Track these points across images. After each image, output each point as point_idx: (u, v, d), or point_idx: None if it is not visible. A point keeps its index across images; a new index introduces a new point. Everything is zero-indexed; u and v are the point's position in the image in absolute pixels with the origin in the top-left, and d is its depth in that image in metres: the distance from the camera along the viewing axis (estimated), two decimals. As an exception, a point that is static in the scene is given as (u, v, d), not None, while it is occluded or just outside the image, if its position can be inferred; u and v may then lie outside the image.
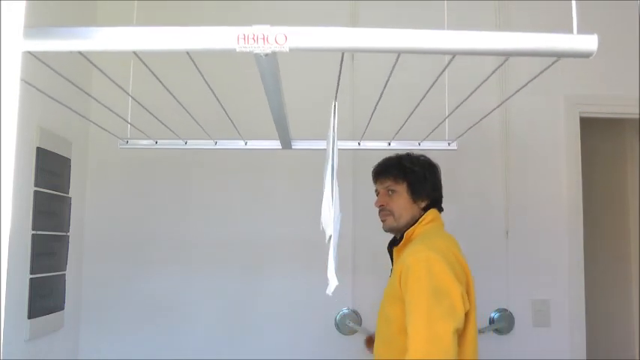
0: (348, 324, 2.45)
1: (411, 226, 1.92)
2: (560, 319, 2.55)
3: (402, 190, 1.94)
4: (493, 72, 1.09)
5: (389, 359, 1.81)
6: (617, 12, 2.68)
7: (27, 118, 1.85)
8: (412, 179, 1.94)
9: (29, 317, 1.89)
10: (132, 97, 1.32)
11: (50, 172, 2.04)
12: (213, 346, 2.43)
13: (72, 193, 2.26)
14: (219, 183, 2.53)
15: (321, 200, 1.22)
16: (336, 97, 1.19)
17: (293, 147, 1.70)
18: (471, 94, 1.18)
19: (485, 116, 1.40)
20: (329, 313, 2.48)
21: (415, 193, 1.94)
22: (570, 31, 0.88)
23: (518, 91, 1.19)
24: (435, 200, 1.98)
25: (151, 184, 2.51)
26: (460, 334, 1.68)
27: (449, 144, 1.70)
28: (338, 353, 2.46)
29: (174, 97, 1.35)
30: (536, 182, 2.61)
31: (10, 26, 1.80)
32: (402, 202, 1.93)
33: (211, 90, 1.28)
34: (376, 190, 2.03)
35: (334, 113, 1.22)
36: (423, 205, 1.95)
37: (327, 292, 1.12)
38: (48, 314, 2.04)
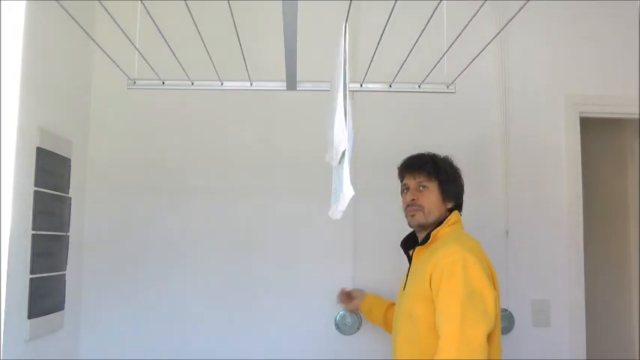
0: (348, 323, 2.46)
1: (437, 225, 1.93)
2: (560, 319, 2.55)
3: (433, 187, 1.96)
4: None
5: (415, 358, 1.80)
6: (617, 12, 2.69)
7: (27, 118, 1.85)
8: (444, 178, 1.97)
9: (29, 317, 1.89)
10: (146, 6, 1.36)
11: (50, 172, 2.04)
12: (213, 347, 2.43)
13: (72, 193, 2.26)
14: (223, 183, 2.52)
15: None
16: (347, 19, 1.25)
17: (298, 88, 1.71)
18: (466, 25, 1.24)
19: (482, 50, 1.43)
20: (329, 313, 2.48)
21: (445, 192, 1.96)
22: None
23: (516, 14, 1.22)
24: (458, 204, 2.01)
25: (152, 184, 2.50)
26: (488, 337, 1.70)
27: (447, 87, 1.72)
28: (338, 353, 2.46)
29: (195, 25, 1.41)
30: (536, 182, 2.61)
31: (10, 27, 1.80)
32: (433, 198, 1.95)
33: (235, 29, 1.35)
34: (405, 185, 2.02)
35: (345, 35, 1.26)
36: (449, 205, 1.97)
37: (340, 209, 1.16)
38: (48, 314, 2.04)
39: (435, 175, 1.96)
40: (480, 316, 1.68)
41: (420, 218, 1.95)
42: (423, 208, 1.94)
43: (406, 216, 2.01)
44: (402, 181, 2.06)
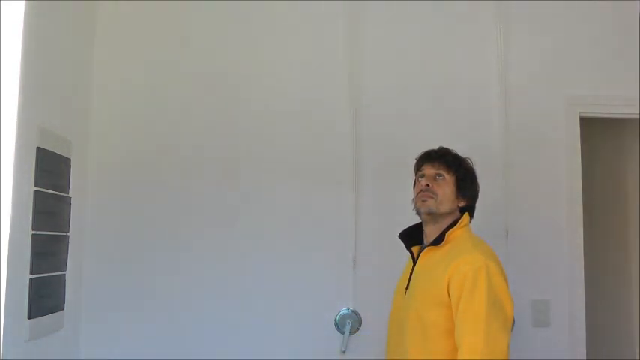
0: (348, 324, 2.45)
1: (448, 223, 1.89)
2: (560, 319, 2.55)
3: (450, 180, 1.93)
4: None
5: None
6: (617, 12, 2.69)
7: (27, 118, 1.85)
8: (462, 175, 1.95)
9: (29, 317, 1.89)
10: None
11: (50, 172, 2.04)
12: (212, 346, 2.43)
13: (72, 193, 2.25)
14: (222, 184, 2.53)
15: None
16: None
17: None
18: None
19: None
20: (329, 313, 2.48)
21: (460, 190, 1.93)
22: None
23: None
24: (471, 207, 1.98)
25: (152, 183, 2.51)
26: None
27: None
28: (338, 353, 2.45)
29: None
30: (536, 182, 2.61)
31: (9, 27, 1.81)
32: (447, 190, 1.92)
33: None
34: (421, 173, 1.98)
35: None
36: (461, 204, 1.95)
37: None
38: (48, 314, 2.04)
39: (454, 168, 1.94)
40: (502, 326, 1.69)
41: (431, 205, 1.89)
42: (436, 196, 1.89)
43: (416, 203, 1.95)
44: (418, 171, 2.01)
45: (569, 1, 2.69)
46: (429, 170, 1.96)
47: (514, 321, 2.45)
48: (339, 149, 2.56)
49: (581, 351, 2.54)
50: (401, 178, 2.27)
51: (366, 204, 2.53)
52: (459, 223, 1.90)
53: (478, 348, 1.65)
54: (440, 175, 1.93)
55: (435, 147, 2.08)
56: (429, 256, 1.90)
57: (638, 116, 2.66)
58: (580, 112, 2.65)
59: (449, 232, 1.87)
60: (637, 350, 3.12)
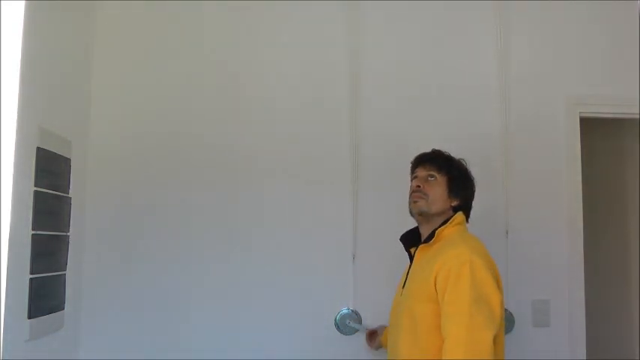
0: (349, 324, 2.45)
1: (440, 222, 1.92)
2: (560, 319, 2.55)
3: (442, 180, 1.97)
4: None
5: (416, 357, 1.80)
6: (617, 12, 2.69)
7: (27, 118, 1.85)
8: (454, 175, 1.98)
9: (29, 317, 1.89)
10: None
11: (50, 172, 2.04)
12: (213, 346, 2.43)
13: (72, 193, 2.26)
14: (222, 183, 2.53)
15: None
16: None
17: None
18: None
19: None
20: (329, 313, 2.48)
21: (452, 190, 1.97)
22: None
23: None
24: (465, 206, 2.01)
25: (152, 183, 2.50)
26: (494, 339, 1.70)
27: None
28: (338, 353, 2.45)
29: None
30: (536, 182, 2.61)
31: (9, 27, 1.81)
32: (439, 190, 1.96)
33: None
34: (414, 175, 2.03)
35: None
36: (454, 203, 1.97)
37: None
38: (48, 314, 2.04)
39: (445, 169, 1.98)
40: (487, 320, 1.69)
41: (422, 205, 1.94)
42: (427, 197, 1.94)
43: (409, 204, 2.00)
44: (412, 174, 2.06)
45: (569, 1, 2.69)
46: (421, 172, 2.01)
47: (514, 321, 2.48)
48: (338, 148, 2.56)
49: (581, 351, 2.54)
50: (400, 178, 2.27)
51: (366, 203, 2.53)
52: (450, 221, 1.93)
53: (461, 340, 1.67)
54: (431, 176, 1.98)
55: (435, 146, 2.09)
56: (422, 255, 1.95)
57: (638, 116, 2.66)
58: (580, 112, 2.65)
59: (439, 230, 1.91)
60: (637, 350, 3.12)
